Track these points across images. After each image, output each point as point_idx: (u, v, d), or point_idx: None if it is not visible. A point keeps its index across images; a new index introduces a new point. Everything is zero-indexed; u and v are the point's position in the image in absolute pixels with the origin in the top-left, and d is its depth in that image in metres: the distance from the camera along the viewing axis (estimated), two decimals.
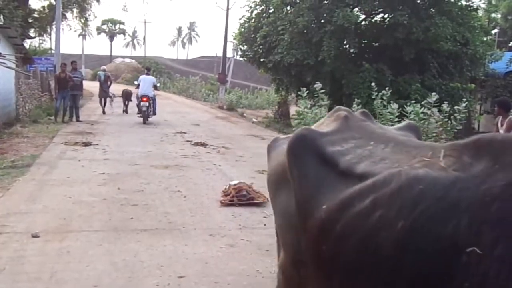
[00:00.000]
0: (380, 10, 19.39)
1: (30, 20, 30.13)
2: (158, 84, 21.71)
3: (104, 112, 21.22)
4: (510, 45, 29.66)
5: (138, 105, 18.35)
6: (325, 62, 17.53)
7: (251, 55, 22.32)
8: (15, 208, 6.50)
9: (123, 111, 21.96)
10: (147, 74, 19.78)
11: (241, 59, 27.71)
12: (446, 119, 12.41)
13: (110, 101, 22.15)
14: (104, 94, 21.86)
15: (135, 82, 20.10)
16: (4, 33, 15.73)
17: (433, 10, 17.92)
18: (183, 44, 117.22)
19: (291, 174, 2.30)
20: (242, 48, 23.24)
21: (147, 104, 17.83)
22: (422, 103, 12.84)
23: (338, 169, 2.10)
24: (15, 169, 8.92)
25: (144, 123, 17.81)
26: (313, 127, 2.70)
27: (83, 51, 73.81)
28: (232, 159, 11.35)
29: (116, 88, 25.25)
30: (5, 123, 14.66)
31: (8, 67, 14.54)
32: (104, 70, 23.56)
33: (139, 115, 18.27)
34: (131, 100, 21.91)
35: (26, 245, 5.19)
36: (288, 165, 2.33)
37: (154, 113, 18.79)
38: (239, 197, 7.21)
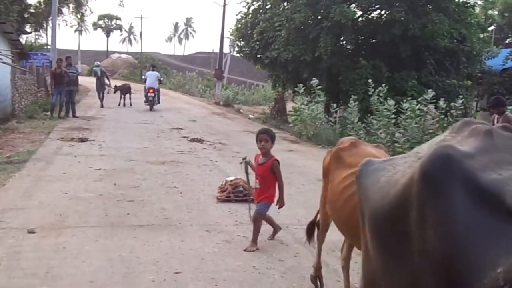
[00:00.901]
0: (377, 6, 19.40)
1: (26, 15, 30.03)
2: (162, 79, 25.91)
3: (102, 106, 21.99)
4: (506, 42, 29.71)
5: (146, 95, 22.10)
6: (322, 59, 17.53)
7: (247, 51, 22.33)
8: (11, 203, 6.49)
9: (119, 104, 23.24)
10: (153, 70, 23.79)
11: (237, 55, 27.69)
12: (443, 116, 12.45)
13: (107, 93, 22.99)
14: (101, 88, 22.55)
15: (143, 77, 25.38)
16: (0, 28, 15.66)
17: (430, 7, 17.95)
18: (180, 40, 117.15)
19: (424, 213, 1.63)
20: (239, 44, 23.25)
21: (153, 94, 21.66)
22: (419, 99, 12.89)
23: (504, 208, 1.44)
24: (11, 165, 8.90)
25: (151, 109, 21.44)
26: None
27: (80, 46, 73.70)
28: (229, 155, 11.34)
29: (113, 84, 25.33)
30: (1, 119, 14.61)
31: (4, 63, 14.50)
32: (98, 66, 24.29)
33: (146, 103, 22.01)
34: (127, 93, 23.55)
35: (22, 241, 5.18)
36: (422, 200, 1.65)
37: (159, 102, 22.68)
38: (236, 193, 7.21)
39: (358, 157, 3.64)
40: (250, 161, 5.71)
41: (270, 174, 5.36)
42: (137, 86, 28.41)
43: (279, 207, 5.41)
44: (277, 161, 5.40)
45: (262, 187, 5.40)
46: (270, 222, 5.61)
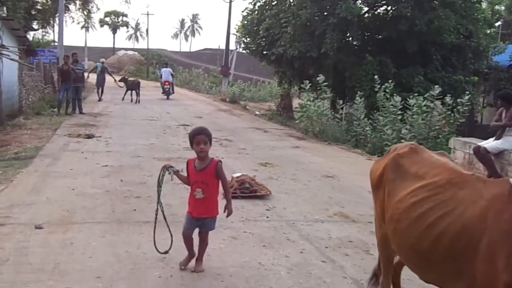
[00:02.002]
0: (383, 2, 19.32)
1: (33, 12, 30.16)
2: (174, 73, 32.28)
3: (99, 100, 23.18)
4: None
5: (163, 87, 27.89)
6: (328, 55, 17.48)
7: (254, 48, 22.29)
8: (19, 199, 6.53)
9: (123, 98, 23.87)
10: (166, 66, 30.19)
11: (244, 51, 27.69)
12: (449, 112, 12.43)
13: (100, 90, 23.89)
14: (98, 83, 23.75)
15: (158, 73, 34.24)
16: (8, 25, 15.71)
17: (436, 2, 17.86)
18: (186, 37, 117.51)
19: None
20: (245, 40, 23.21)
21: (168, 86, 27.52)
22: (425, 95, 12.85)
23: None
24: (18, 161, 8.96)
25: (167, 99, 26.94)
26: None
27: (86, 43, 73.66)
28: (235, 151, 11.35)
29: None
30: (8, 115, 14.69)
31: (12, 59, 14.56)
32: (102, 62, 25.08)
33: (163, 94, 27.60)
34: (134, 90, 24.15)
35: (29, 236, 5.21)
36: None
37: (173, 92, 28.34)
38: (242, 190, 7.21)
39: (425, 167, 3.15)
40: (179, 170, 4.82)
41: (214, 179, 4.63)
42: (143, 83, 28.57)
43: (228, 215, 4.68)
44: (220, 161, 4.68)
45: (206, 197, 4.62)
46: (191, 243, 4.73)
